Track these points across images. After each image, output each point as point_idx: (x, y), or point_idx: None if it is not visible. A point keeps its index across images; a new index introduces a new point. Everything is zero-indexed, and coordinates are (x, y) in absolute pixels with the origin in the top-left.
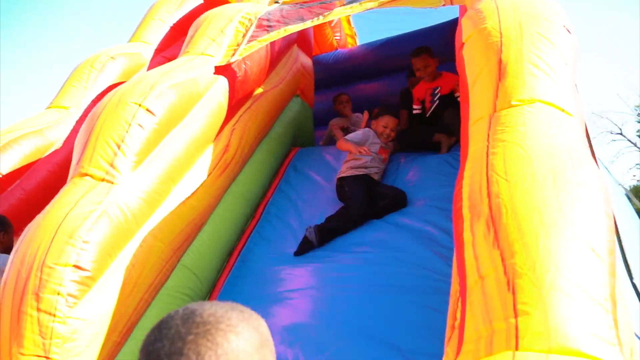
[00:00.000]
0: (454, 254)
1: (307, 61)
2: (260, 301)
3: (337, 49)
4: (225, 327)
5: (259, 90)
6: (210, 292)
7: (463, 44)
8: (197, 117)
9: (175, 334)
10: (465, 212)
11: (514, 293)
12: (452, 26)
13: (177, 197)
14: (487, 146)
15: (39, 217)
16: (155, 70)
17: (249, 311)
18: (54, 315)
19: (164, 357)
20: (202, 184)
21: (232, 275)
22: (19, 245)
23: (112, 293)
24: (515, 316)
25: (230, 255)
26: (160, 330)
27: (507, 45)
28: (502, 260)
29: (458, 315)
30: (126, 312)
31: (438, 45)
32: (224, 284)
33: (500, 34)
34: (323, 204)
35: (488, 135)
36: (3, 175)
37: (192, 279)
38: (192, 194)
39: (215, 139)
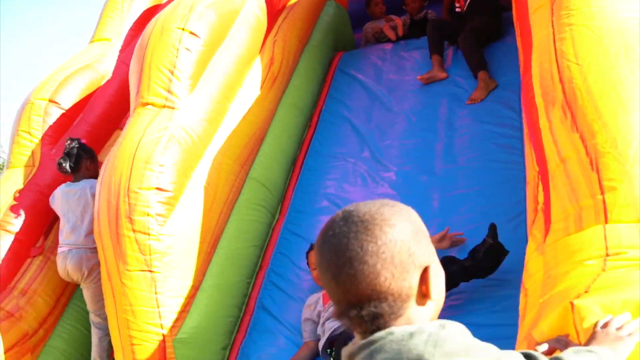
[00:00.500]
0: (527, 143)
1: None
2: (326, 210)
3: None
4: (381, 222)
5: None
6: (280, 202)
7: None
8: (238, 33)
9: (340, 234)
10: (539, 100)
11: (598, 171)
12: None
13: (234, 114)
14: (553, 32)
15: (114, 149)
16: None
17: (399, 205)
18: (149, 234)
19: (333, 255)
20: (255, 99)
21: (299, 184)
22: (102, 175)
23: (194, 210)
24: (602, 192)
25: (294, 165)
26: (327, 232)
27: None
28: (583, 141)
29: (540, 199)
30: (210, 226)
31: None
32: (294, 191)
33: None
34: (375, 106)
35: (552, 21)
36: (66, 111)
37: (262, 190)
38: (248, 109)
39: (259, 53)
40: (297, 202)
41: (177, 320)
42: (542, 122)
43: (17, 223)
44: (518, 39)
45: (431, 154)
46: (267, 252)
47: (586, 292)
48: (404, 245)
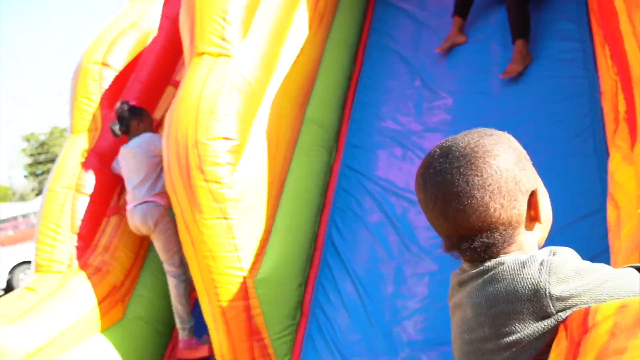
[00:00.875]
0: (600, 51)
1: None
2: (382, 144)
3: None
4: (483, 154)
5: None
6: (336, 139)
7: None
8: None
9: (442, 170)
10: (618, 4)
11: None
12: None
13: (287, 56)
14: None
15: (175, 102)
16: None
17: (498, 132)
18: (221, 183)
19: (439, 192)
20: (305, 40)
21: (352, 120)
22: (168, 129)
23: (260, 156)
24: None
25: (346, 101)
26: (427, 170)
27: None
28: None
29: (621, 108)
30: (276, 170)
31: None
32: (348, 127)
33: None
34: (422, 33)
35: None
36: (119, 73)
37: (319, 130)
38: (300, 50)
39: None
40: (353, 137)
41: (255, 262)
42: (624, 27)
43: (90, 185)
44: None
45: (486, 76)
46: (329, 189)
47: None
48: (510, 174)
